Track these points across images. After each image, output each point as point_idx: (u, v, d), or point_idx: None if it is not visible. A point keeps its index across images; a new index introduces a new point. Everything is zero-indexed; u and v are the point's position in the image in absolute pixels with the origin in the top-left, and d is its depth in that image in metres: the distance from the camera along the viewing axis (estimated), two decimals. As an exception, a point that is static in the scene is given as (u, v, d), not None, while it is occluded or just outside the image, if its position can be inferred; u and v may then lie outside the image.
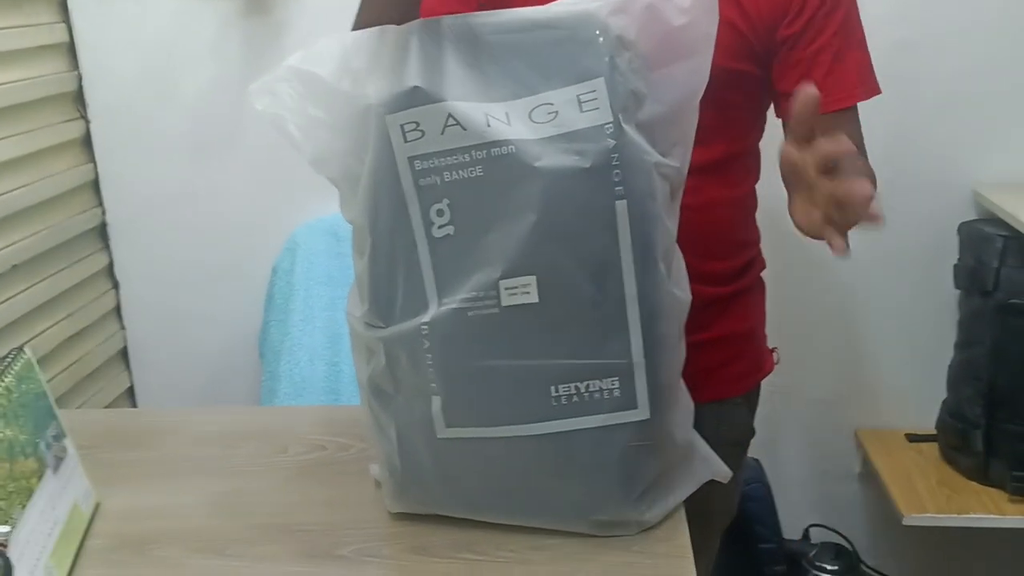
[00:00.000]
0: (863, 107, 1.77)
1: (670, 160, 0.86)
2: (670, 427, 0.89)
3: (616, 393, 0.84)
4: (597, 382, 0.83)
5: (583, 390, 0.84)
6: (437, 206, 0.82)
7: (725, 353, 1.14)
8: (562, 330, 0.83)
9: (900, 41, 1.69)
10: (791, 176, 0.80)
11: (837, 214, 0.76)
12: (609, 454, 0.86)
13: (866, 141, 1.78)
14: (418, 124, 0.81)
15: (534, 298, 0.81)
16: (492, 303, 0.82)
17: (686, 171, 0.89)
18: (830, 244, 0.77)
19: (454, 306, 0.83)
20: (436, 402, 0.86)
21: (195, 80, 1.87)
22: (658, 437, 0.88)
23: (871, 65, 1.08)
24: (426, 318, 0.84)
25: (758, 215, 1.23)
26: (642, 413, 0.85)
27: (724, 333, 1.13)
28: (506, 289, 0.81)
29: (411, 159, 0.81)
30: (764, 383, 1.77)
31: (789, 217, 0.89)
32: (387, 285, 0.86)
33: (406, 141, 0.81)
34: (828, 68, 1.04)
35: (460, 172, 0.81)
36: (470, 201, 0.81)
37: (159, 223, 1.97)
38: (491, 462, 0.88)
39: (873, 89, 1.08)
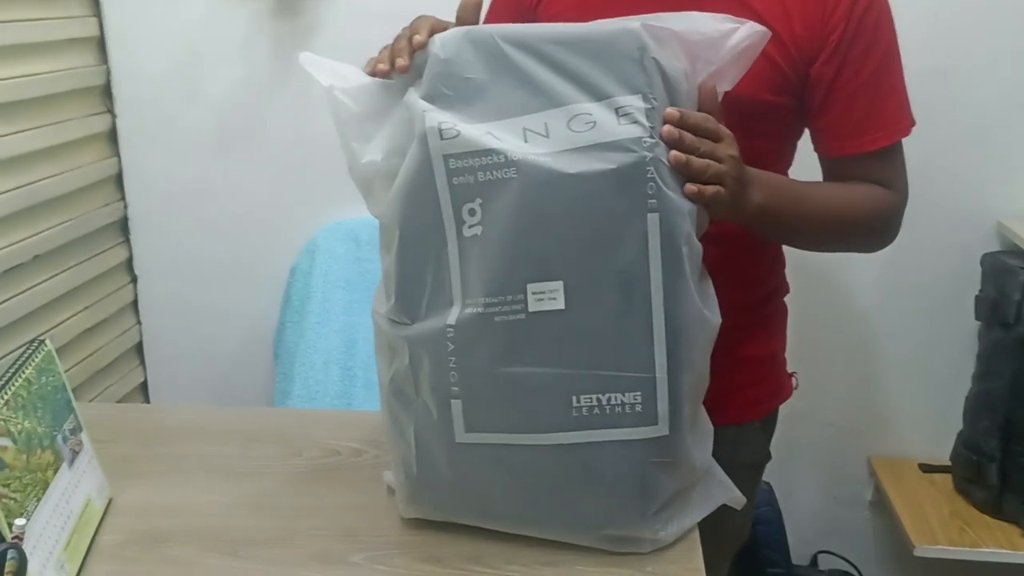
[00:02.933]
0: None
1: None
2: (689, 446, 0.89)
3: (638, 408, 0.83)
4: (619, 395, 0.83)
5: (604, 402, 0.83)
6: (469, 205, 0.83)
7: (745, 377, 1.13)
8: (587, 340, 0.83)
9: (929, 70, 1.68)
10: None
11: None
12: (627, 469, 0.86)
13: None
14: (455, 124, 0.82)
15: (560, 304, 0.82)
16: (519, 307, 0.82)
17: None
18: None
19: (480, 310, 0.83)
20: (456, 405, 0.86)
21: (222, 79, 1.88)
22: (676, 455, 0.87)
23: (907, 100, 1.08)
24: (451, 320, 0.84)
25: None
26: (662, 429, 0.84)
27: (745, 357, 1.13)
28: (533, 294, 0.82)
29: (446, 157, 0.82)
30: (782, 408, 1.76)
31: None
32: (414, 282, 0.87)
33: (442, 139, 0.82)
34: (868, 106, 1.03)
35: (494, 173, 0.81)
36: (502, 203, 0.81)
37: (180, 219, 1.98)
38: (508, 469, 0.88)
39: (909, 125, 1.08)
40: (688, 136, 0.82)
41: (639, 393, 0.83)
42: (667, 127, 0.81)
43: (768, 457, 1.25)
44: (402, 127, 0.86)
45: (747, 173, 0.90)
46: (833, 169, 1.08)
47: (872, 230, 1.08)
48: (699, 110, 0.86)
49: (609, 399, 0.83)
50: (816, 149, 1.09)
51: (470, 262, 0.84)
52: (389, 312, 0.89)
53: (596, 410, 0.84)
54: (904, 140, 1.06)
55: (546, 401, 0.84)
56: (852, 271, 1.80)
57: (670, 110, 0.82)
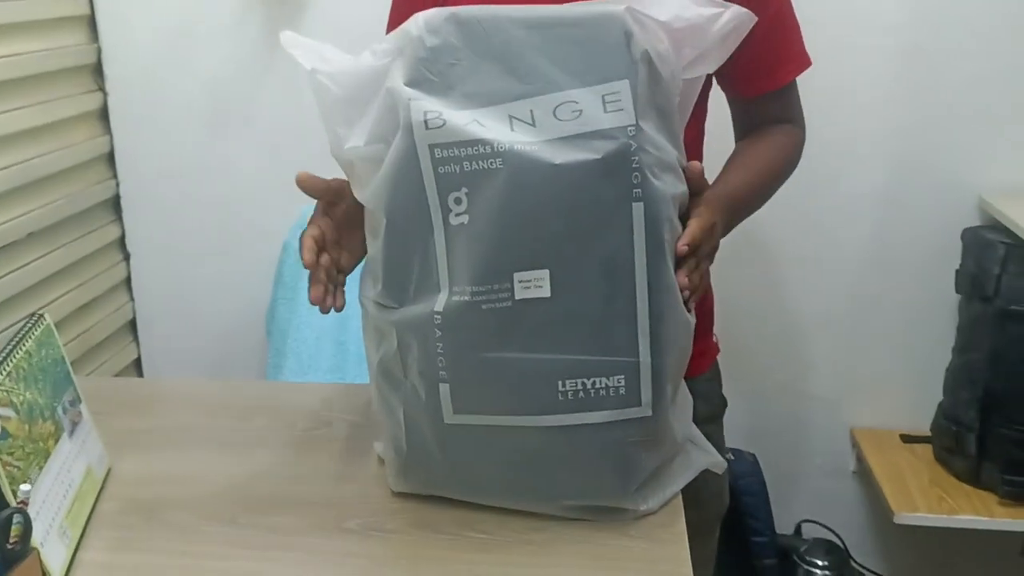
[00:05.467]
0: (877, 109, 1.80)
1: (677, 178, 0.88)
2: (671, 423, 0.91)
3: (622, 391, 0.85)
4: (603, 379, 0.85)
5: (589, 386, 0.85)
6: (455, 194, 0.83)
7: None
8: (572, 326, 0.84)
9: (913, 47, 1.71)
10: None
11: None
12: (611, 448, 0.88)
13: (874, 145, 1.82)
14: (441, 113, 0.82)
15: (546, 292, 0.83)
16: (506, 295, 0.83)
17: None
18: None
19: (467, 298, 0.84)
20: (444, 389, 0.87)
21: (213, 57, 1.89)
22: (659, 433, 0.89)
23: (801, 33, 1.14)
24: (439, 307, 0.85)
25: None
26: (645, 411, 0.86)
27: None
28: (520, 282, 0.83)
29: (432, 147, 0.82)
30: (767, 381, 1.80)
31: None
32: (401, 268, 0.87)
33: (428, 128, 0.82)
34: (777, 44, 1.10)
35: (480, 163, 0.81)
36: (488, 193, 0.82)
37: (171, 197, 1.99)
38: (495, 449, 0.90)
39: (808, 57, 1.14)
40: (696, 265, 0.89)
41: (623, 376, 0.85)
42: (681, 278, 0.86)
43: (725, 403, 1.29)
44: (385, 114, 0.85)
45: (724, 229, 0.98)
46: (747, 110, 1.16)
47: (789, 173, 1.16)
48: (688, 188, 0.90)
49: (594, 383, 0.85)
50: (729, 94, 1.14)
51: (457, 250, 0.84)
52: (377, 296, 0.90)
53: (581, 394, 0.85)
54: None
55: (532, 386, 0.86)
56: (835, 248, 1.83)
57: (680, 247, 0.86)
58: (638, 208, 0.82)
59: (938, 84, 1.72)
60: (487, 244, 0.83)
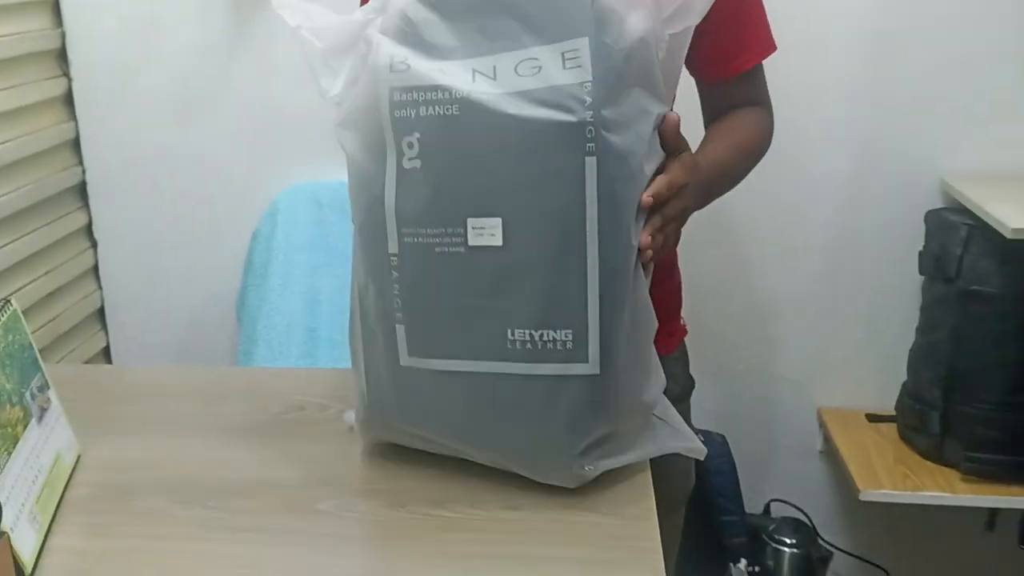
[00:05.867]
0: (841, 93, 1.82)
1: (653, 137, 0.89)
2: (624, 388, 0.91)
3: (569, 345, 0.86)
4: (552, 332, 0.86)
5: (537, 338, 0.86)
6: (408, 138, 0.86)
7: (663, 313, 1.16)
8: (523, 276, 0.85)
9: (877, 31, 1.73)
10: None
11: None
12: (556, 403, 0.88)
13: (840, 129, 1.85)
14: (406, 59, 0.86)
15: (498, 241, 0.84)
16: (459, 240, 0.85)
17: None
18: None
19: (421, 240, 0.87)
20: (400, 330, 0.90)
21: (180, 41, 1.87)
22: (608, 395, 0.89)
23: (767, 17, 1.15)
24: (393, 248, 0.88)
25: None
26: (593, 368, 0.87)
27: (663, 292, 1.15)
28: (473, 228, 0.85)
29: (392, 90, 0.86)
30: (735, 363, 1.82)
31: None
32: (362, 209, 0.91)
33: (392, 71, 0.86)
34: (741, 26, 1.11)
35: (437, 108, 0.84)
36: (443, 136, 0.85)
37: (139, 183, 1.97)
38: (446, 395, 0.91)
39: (774, 41, 1.15)
40: (661, 223, 0.89)
41: (571, 331, 0.86)
42: (643, 236, 0.87)
43: (692, 384, 1.31)
44: (359, 60, 0.89)
45: (697, 194, 0.98)
46: (715, 94, 1.17)
47: (761, 154, 1.18)
48: (663, 145, 0.90)
49: (542, 335, 0.86)
50: (697, 78, 1.16)
51: (410, 193, 0.87)
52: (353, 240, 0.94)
53: (529, 344, 0.86)
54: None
55: (482, 332, 0.87)
56: (802, 231, 1.85)
57: (645, 198, 0.86)
58: (591, 163, 0.83)
59: (902, 69, 1.75)
60: (440, 188, 0.85)
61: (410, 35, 0.87)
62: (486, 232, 0.85)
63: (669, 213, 0.91)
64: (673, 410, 1.02)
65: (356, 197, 0.92)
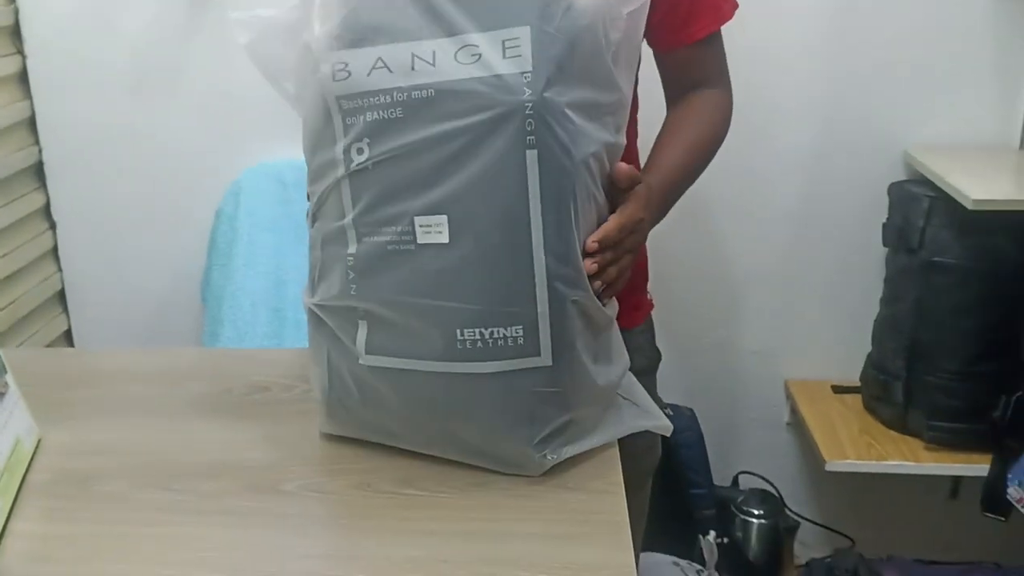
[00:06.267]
0: (804, 65, 1.83)
1: (603, 126, 0.88)
2: (580, 376, 0.90)
3: (520, 340, 0.85)
4: (501, 329, 0.85)
5: (487, 336, 0.85)
6: (358, 144, 0.86)
7: (630, 285, 1.17)
8: (470, 274, 0.85)
9: (840, 5, 1.73)
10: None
11: None
12: (511, 398, 0.88)
13: (803, 102, 1.85)
14: (347, 65, 0.85)
15: (445, 238, 0.84)
16: (408, 239, 0.85)
17: (623, 139, 0.92)
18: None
19: (375, 239, 0.87)
20: (362, 327, 0.90)
21: (137, 16, 1.83)
22: (563, 385, 0.89)
23: None
24: (351, 248, 0.88)
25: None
26: (545, 360, 0.86)
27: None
28: (420, 226, 0.85)
29: (339, 98, 0.86)
30: (702, 338, 1.83)
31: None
32: (324, 207, 0.92)
33: (334, 80, 0.85)
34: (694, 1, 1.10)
35: (380, 113, 0.84)
36: (389, 138, 0.84)
37: (98, 163, 1.94)
38: (403, 393, 0.91)
39: (732, 8, 1.13)
40: (609, 261, 0.90)
41: (521, 327, 0.85)
42: (588, 263, 0.87)
43: (659, 356, 1.32)
44: (302, 65, 0.90)
45: (654, 217, 0.99)
46: (672, 64, 1.15)
47: (719, 145, 1.17)
48: (619, 185, 0.91)
49: (491, 333, 0.85)
50: (651, 46, 1.14)
51: (362, 193, 0.87)
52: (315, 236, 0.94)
53: (479, 343, 0.85)
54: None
55: (433, 332, 0.86)
56: (767, 204, 1.86)
57: (590, 244, 0.87)
58: (532, 155, 0.82)
59: (864, 41, 1.75)
60: (389, 187, 0.86)
61: (348, 19, 0.85)
62: (433, 230, 0.84)
63: (623, 248, 0.92)
64: (640, 388, 1.02)
65: (318, 200, 0.92)
